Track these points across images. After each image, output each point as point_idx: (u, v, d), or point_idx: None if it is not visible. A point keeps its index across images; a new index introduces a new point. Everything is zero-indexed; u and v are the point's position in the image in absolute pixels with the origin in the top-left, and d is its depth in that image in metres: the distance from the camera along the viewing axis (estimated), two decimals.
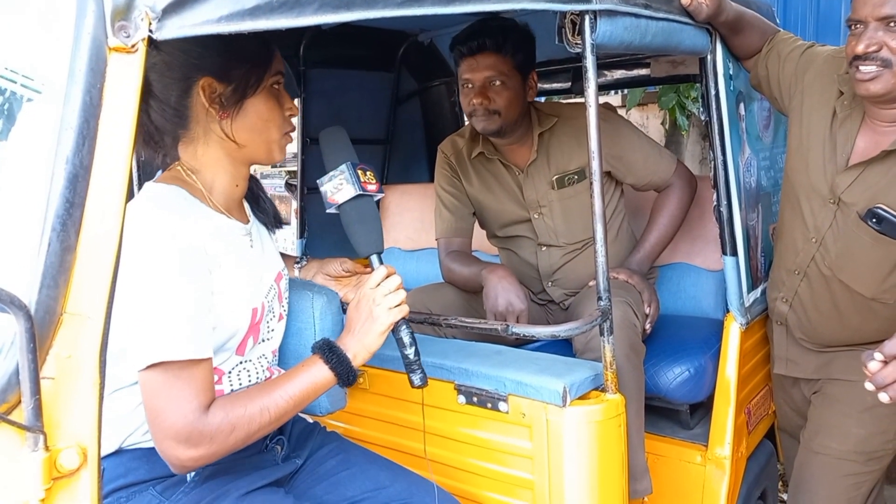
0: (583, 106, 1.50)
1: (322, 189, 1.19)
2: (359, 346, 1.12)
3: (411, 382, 1.17)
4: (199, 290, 1.03)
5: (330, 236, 2.79)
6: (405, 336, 1.15)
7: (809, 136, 1.64)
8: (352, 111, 2.74)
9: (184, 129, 1.13)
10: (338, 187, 1.17)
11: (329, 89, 2.63)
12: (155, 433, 0.98)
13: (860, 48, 1.41)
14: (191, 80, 1.09)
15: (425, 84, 3.00)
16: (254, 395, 1.05)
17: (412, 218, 2.79)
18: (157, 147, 1.15)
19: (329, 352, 1.11)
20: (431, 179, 3.12)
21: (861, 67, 1.44)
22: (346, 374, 1.11)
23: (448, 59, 2.90)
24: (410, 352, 1.15)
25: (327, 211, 1.19)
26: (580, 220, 1.91)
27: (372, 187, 1.18)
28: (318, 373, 1.10)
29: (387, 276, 1.14)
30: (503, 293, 1.72)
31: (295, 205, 2.74)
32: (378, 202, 1.21)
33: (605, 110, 1.98)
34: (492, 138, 1.92)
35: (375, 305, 1.12)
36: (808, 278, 1.67)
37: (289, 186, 4.23)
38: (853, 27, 1.45)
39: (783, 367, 1.81)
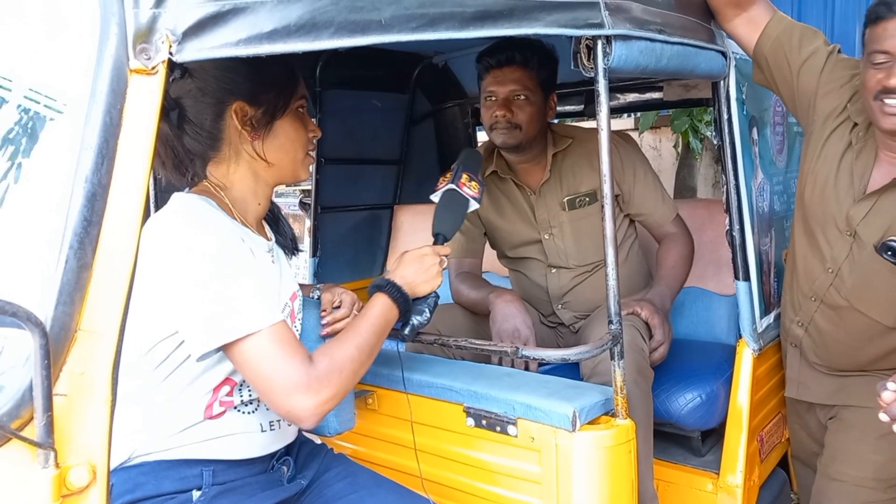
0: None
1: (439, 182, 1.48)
2: (411, 283, 1.28)
3: (401, 331, 1.30)
4: (255, 267, 1.11)
5: (342, 256, 2.80)
6: (432, 301, 1.35)
7: (825, 166, 1.60)
8: (366, 131, 2.77)
9: (215, 150, 1.19)
10: (444, 180, 1.47)
11: (345, 110, 2.66)
12: (275, 395, 1.03)
13: (894, 82, 1.38)
14: (224, 104, 1.15)
15: (439, 105, 3.03)
16: (343, 338, 1.14)
17: (424, 238, 2.75)
18: (185, 171, 1.21)
19: (390, 286, 1.24)
20: None
21: (887, 101, 1.40)
22: (404, 302, 1.25)
23: (462, 81, 2.92)
24: (427, 310, 1.33)
25: (430, 196, 1.48)
26: (590, 243, 1.90)
27: (468, 190, 1.45)
28: (383, 304, 1.22)
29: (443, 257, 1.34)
30: (510, 319, 1.72)
31: (308, 223, 2.76)
32: (468, 205, 1.46)
33: (624, 138, 1.98)
34: (508, 155, 1.93)
35: (431, 266, 1.31)
36: (826, 305, 1.64)
37: (302, 205, 4.25)
38: (879, 58, 1.41)
39: (794, 390, 1.79)
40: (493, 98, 1.84)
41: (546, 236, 1.94)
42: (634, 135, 5.31)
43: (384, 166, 2.91)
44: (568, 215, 1.91)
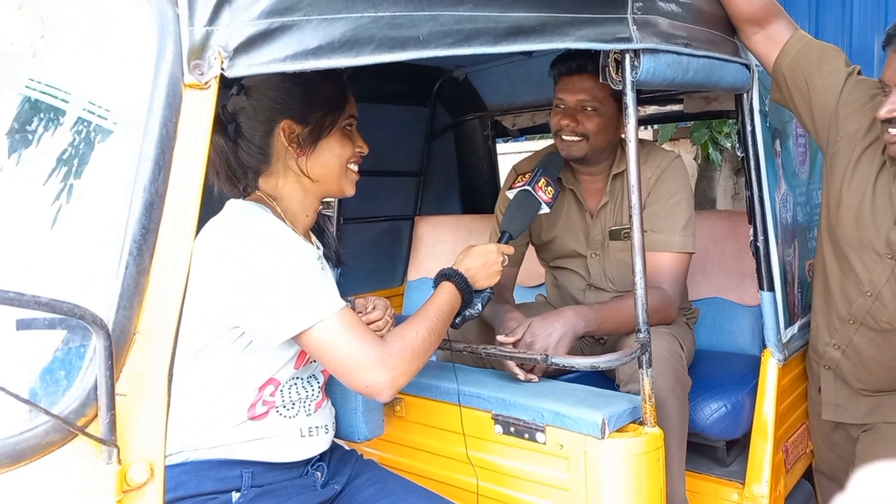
0: (663, 152, 1.68)
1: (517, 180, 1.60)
2: (474, 276, 1.36)
3: (453, 320, 1.34)
4: (315, 261, 1.19)
5: (364, 266, 2.83)
6: (486, 296, 1.43)
7: (857, 189, 1.57)
8: (388, 144, 2.80)
9: (266, 164, 1.24)
10: (522, 180, 1.56)
11: (367, 123, 2.67)
12: (355, 372, 1.09)
13: (882, 112, 1.42)
14: (273, 122, 1.21)
15: (459, 118, 3.06)
16: (414, 321, 1.21)
17: (444, 249, 2.82)
18: (238, 182, 1.25)
19: (457, 277, 1.32)
20: (464, 211, 3.17)
21: (890, 130, 1.43)
22: (468, 293, 1.33)
23: (482, 94, 2.96)
24: (480, 303, 1.40)
25: (507, 192, 1.60)
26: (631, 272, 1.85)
27: (542, 194, 1.54)
28: (450, 291, 1.31)
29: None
30: None
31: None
32: (539, 208, 1.54)
33: (675, 161, 1.84)
34: (574, 164, 1.87)
35: (494, 264, 1.39)
36: (866, 327, 1.62)
37: (324, 217, 4.29)
38: (884, 88, 1.44)
39: (832, 412, 1.76)
40: (561, 106, 1.77)
41: (593, 255, 1.90)
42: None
43: (405, 178, 2.95)
44: (612, 244, 1.87)
